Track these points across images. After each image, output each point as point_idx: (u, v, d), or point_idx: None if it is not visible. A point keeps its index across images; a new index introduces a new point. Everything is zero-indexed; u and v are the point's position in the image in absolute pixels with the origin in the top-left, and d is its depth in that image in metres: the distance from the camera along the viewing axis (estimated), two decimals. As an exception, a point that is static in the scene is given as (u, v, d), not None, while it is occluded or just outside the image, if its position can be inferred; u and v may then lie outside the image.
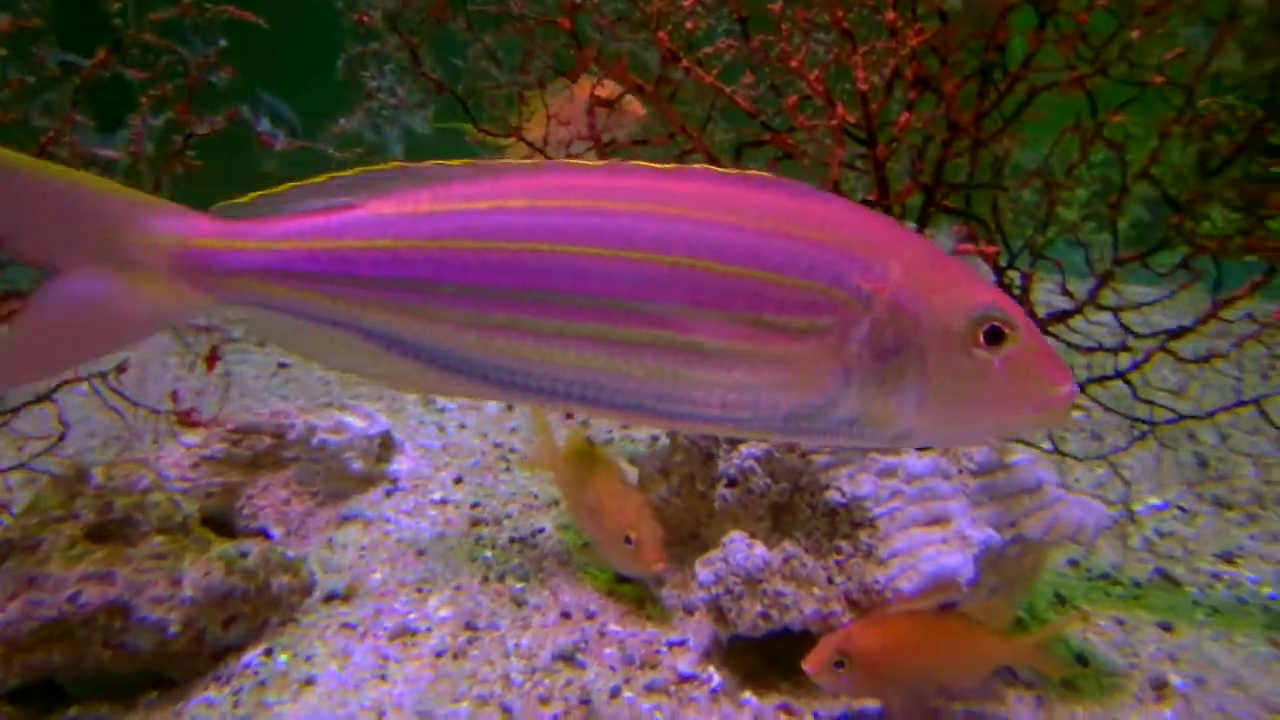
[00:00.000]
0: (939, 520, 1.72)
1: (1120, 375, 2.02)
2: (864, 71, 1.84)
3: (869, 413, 1.04)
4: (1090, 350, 2.02)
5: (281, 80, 3.01)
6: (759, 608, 1.65)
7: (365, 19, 2.02)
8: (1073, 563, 2.26)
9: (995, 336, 1.03)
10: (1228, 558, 2.36)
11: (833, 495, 1.71)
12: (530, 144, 2.15)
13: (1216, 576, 2.27)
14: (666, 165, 1.03)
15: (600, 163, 1.07)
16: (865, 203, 1.92)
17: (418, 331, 1.04)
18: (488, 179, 1.02)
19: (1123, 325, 1.97)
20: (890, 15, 1.83)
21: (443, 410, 3.11)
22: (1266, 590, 2.22)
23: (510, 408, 3.10)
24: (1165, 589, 2.21)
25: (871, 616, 1.60)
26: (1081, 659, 1.82)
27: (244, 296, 1.05)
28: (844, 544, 1.71)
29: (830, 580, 1.70)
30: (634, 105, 2.22)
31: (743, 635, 1.68)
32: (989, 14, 1.90)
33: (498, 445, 2.78)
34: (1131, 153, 2.06)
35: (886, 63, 1.85)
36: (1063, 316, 2.03)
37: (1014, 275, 2.02)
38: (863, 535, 1.69)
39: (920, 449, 1.76)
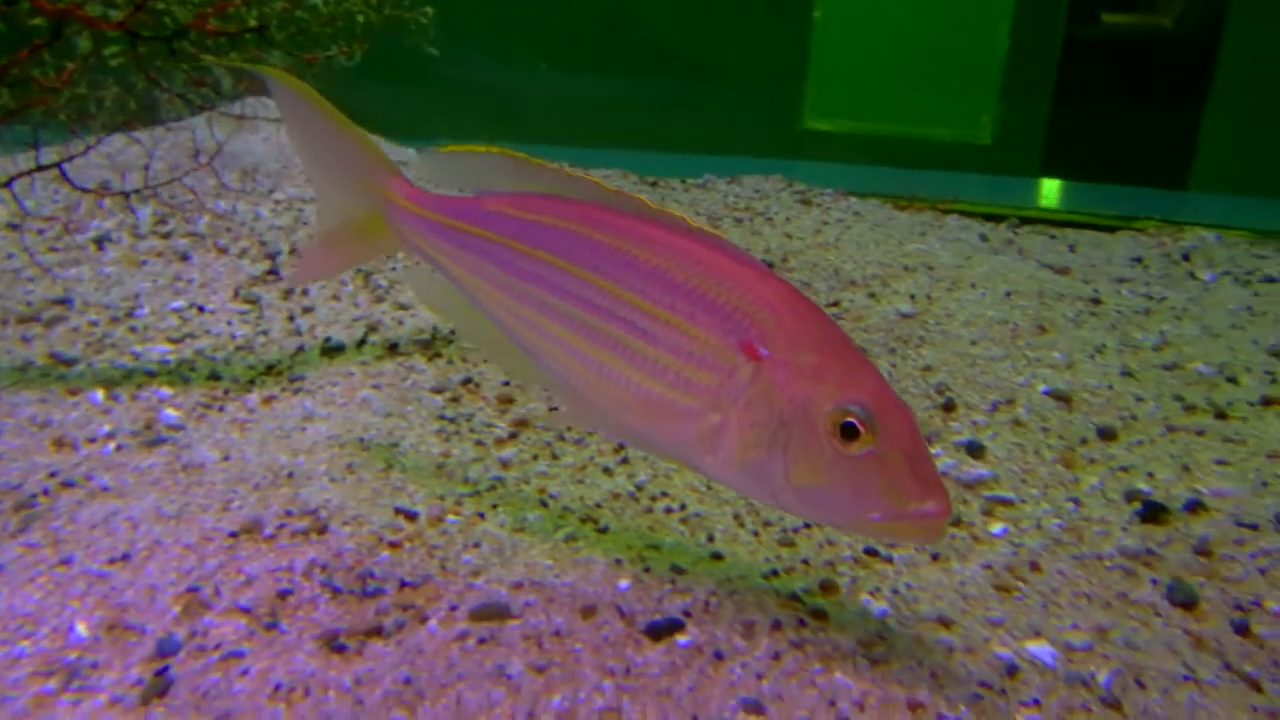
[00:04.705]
0: None
1: None
2: None
3: (747, 469, 1.15)
4: None
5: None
6: None
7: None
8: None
9: (850, 433, 1.07)
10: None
11: None
12: None
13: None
14: (688, 223, 1.25)
15: (644, 207, 1.28)
16: None
17: (485, 297, 1.38)
18: (559, 204, 1.32)
19: None
20: None
21: None
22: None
23: None
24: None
25: None
26: None
27: (410, 244, 1.44)
28: None
29: None
30: None
31: None
32: None
33: None
34: None
35: None
36: None
37: None
38: None
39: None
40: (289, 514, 1.63)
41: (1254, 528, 1.71)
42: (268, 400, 2.16)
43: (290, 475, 1.79)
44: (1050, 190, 5.33)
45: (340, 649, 1.30)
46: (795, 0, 5.66)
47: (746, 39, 5.73)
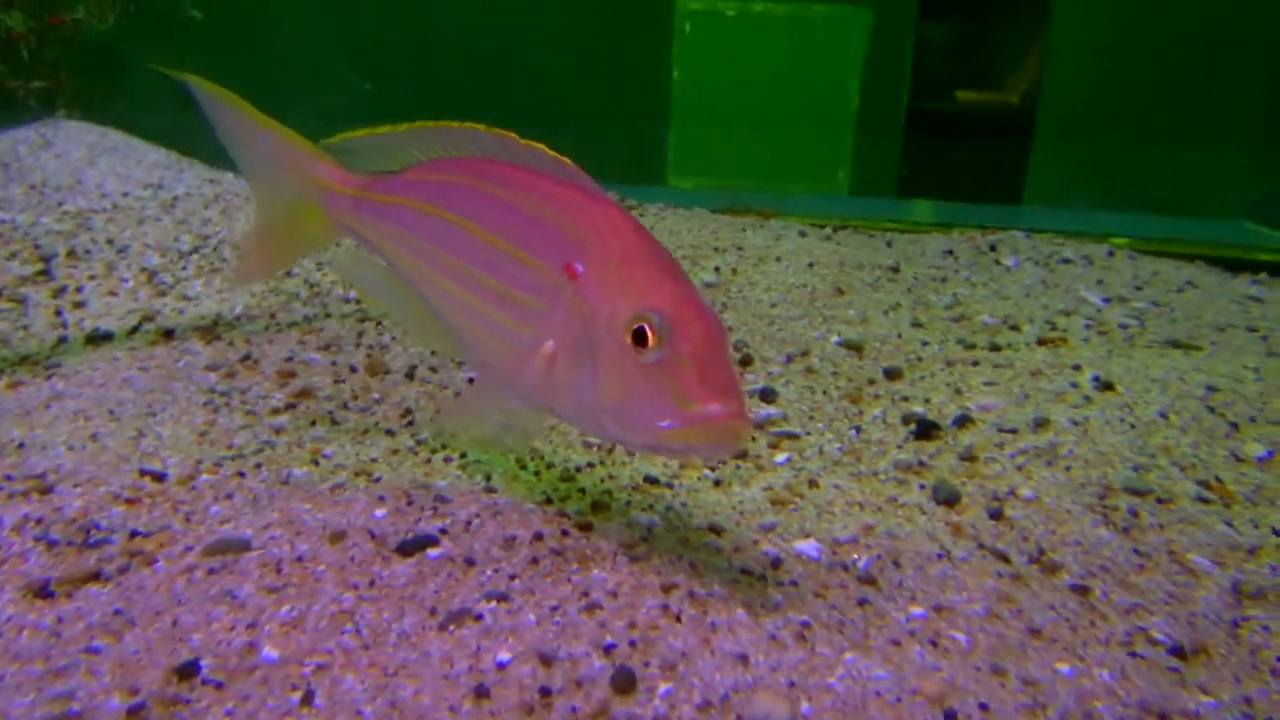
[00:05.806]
0: None
1: None
2: None
3: (574, 392, 1.12)
4: None
5: None
6: None
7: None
8: None
9: (640, 338, 1.04)
10: None
11: None
12: None
13: None
14: (545, 152, 1.24)
15: (510, 143, 1.27)
16: None
17: (407, 268, 1.37)
18: (460, 163, 1.33)
19: None
20: None
21: None
22: None
23: None
24: None
25: None
26: None
27: (344, 226, 1.46)
28: None
29: None
30: None
31: None
32: None
33: None
34: None
35: None
36: None
37: None
38: None
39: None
40: (9, 479, 1.47)
41: (1014, 431, 1.79)
42: (13, 385, 1.96)
43: (20, 446, 1.62)
44: (896, 208, 5.54)
45: (48, 595, 1.16)
46: (657, 61, 5.77)
47: (611, 99, 5.80)
